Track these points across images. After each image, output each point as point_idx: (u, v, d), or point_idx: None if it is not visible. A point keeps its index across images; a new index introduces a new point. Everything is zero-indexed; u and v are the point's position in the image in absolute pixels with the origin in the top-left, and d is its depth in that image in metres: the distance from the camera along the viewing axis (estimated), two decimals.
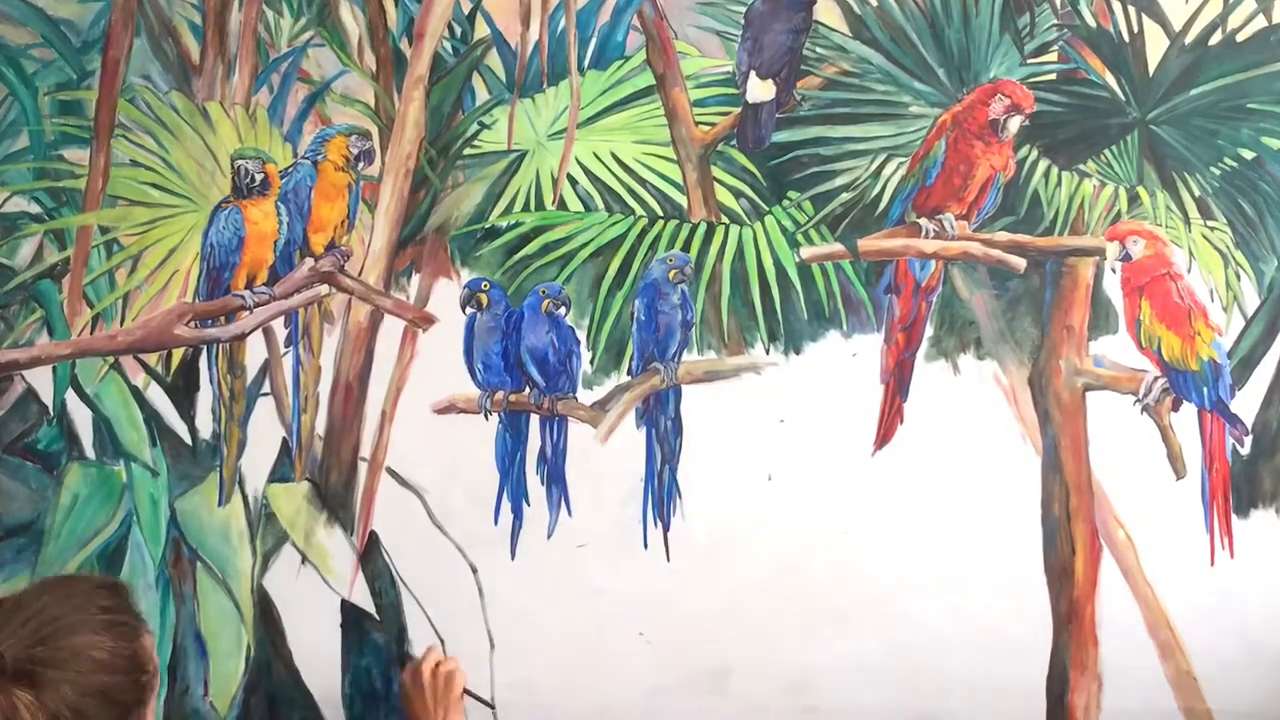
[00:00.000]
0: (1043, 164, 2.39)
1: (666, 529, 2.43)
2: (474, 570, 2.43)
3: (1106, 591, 2.40)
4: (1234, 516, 2.38)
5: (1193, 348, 2.36)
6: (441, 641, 2.42)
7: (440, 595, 2.43)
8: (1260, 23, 2.37)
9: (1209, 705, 2.38)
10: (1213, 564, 2.39)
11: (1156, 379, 2.38)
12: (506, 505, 2.43)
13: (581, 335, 2.43)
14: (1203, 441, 2.39)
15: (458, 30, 2.44)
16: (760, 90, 2.41)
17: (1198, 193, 2.38)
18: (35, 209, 2.47)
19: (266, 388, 2.46)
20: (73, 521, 2.45)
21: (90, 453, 2.45)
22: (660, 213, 2.43)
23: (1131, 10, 2.37)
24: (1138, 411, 2.39)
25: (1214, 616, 2.39)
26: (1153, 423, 2.38)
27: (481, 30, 2.44)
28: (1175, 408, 2.38)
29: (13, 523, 2.45)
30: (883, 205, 2.41)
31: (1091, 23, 2.37)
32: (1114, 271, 2.38)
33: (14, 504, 2.45)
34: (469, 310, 2.43)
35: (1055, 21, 2.38)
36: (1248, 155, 2.37)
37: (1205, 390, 2.37)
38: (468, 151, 2.44)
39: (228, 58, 2.46)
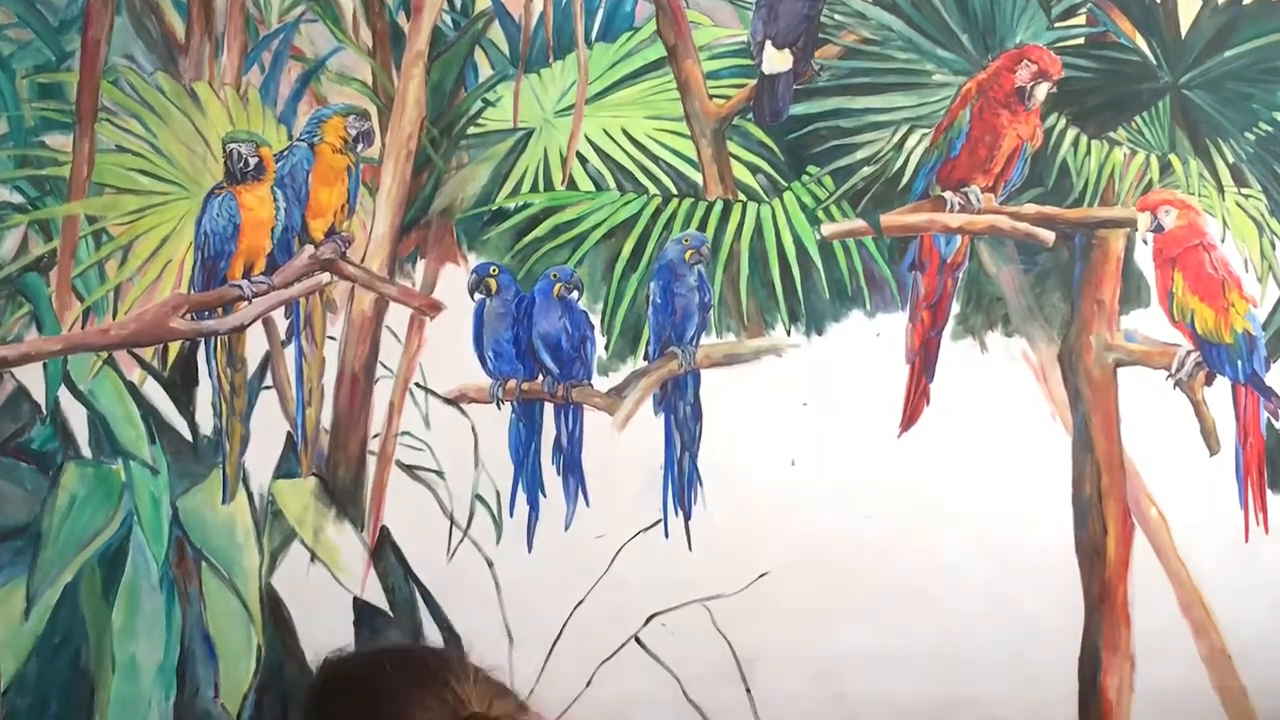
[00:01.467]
0: (1071, 132, 2.30)
1: (688, 517, 2.35)
2: (490, 564, 2.35)
3: (1139, 571, 2.34)
4: (1269, 492, 2.33)
5: (1226, 320, 2.29)
6: (458, 638, 2.35)
7: (456, 590, 2.35)
8: None
9: (1243, 683, 2.33)
10: (1247, 540, 2.34)
11: (1190, 353, 2.30)
12: (522, 496, 2.36)
13: (595, 320, 2.34)
14: (1237, 416, 2.32)
15: (458, 2, 2.31)
16: (777, 60, 2.30)
17: (1231, 159, 2.30)
18: (18, 199, 2.33)
19: (268, 381, 2.36)
20: (71, 523, 2.35)
21: (87, 451, 2.35)
22: (674, 191, 2.33)
23: None
24: (1170, 387, 2.32)
25: (1248, 593, 2.34)
26: (1186, 398, 2.32)
27: (483, 2, 2.32)
28: (1209, 382, 2.31)
29: (8, 526, 2.35)
30: (906, 179, 2.31)
31: None
32: (1145, 243, 2.30)
33: (9, 506, 2.35)
34: (478, 296, 2.33)
35: None
36: None
37: (1240, 363, 2.30)
38: (471, 130, 2.33)
39: (215, 35, 2.32)
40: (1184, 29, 2.28)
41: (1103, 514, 2.34)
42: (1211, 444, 2.32)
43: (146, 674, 2.36)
